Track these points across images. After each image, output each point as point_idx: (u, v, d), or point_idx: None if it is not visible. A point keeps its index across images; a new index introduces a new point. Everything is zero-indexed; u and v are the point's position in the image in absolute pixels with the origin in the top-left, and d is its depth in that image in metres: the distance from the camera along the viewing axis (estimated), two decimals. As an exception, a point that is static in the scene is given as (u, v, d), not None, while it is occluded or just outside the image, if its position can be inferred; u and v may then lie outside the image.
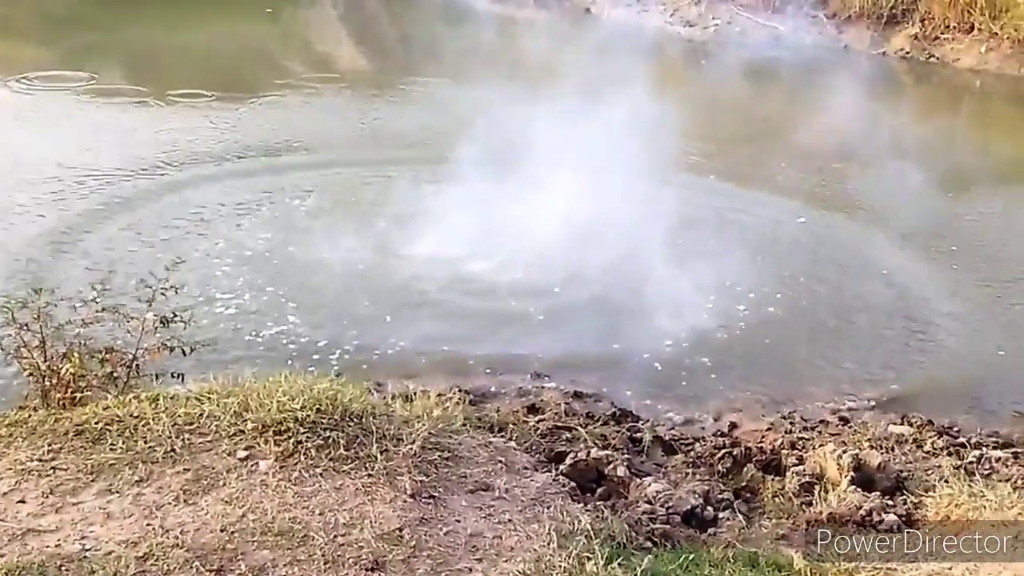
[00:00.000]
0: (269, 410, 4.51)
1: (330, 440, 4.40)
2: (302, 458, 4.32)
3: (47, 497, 4.10)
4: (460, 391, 6.24)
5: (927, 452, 5.73)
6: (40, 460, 4.30)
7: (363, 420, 4.55)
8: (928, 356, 7.52)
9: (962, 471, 5.24)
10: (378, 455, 4.38)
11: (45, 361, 5.07)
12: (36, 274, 7.74)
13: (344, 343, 7.25)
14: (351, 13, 20.14)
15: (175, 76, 14.45)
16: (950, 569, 4.17)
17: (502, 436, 5.29)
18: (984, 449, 5.77)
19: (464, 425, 5.08)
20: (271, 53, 16.52)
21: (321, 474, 4.26)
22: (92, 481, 4.19)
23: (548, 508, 4.39)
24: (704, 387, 7.03)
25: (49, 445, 4.39)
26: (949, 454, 5.69)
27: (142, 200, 9.61)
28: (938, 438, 5.95)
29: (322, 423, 4.47)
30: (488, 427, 5.40)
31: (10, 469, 4.25)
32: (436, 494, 4.31)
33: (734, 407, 6.74)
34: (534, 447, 5.37)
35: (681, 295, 7.84)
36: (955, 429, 6.26)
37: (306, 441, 4.38)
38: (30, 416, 4.64)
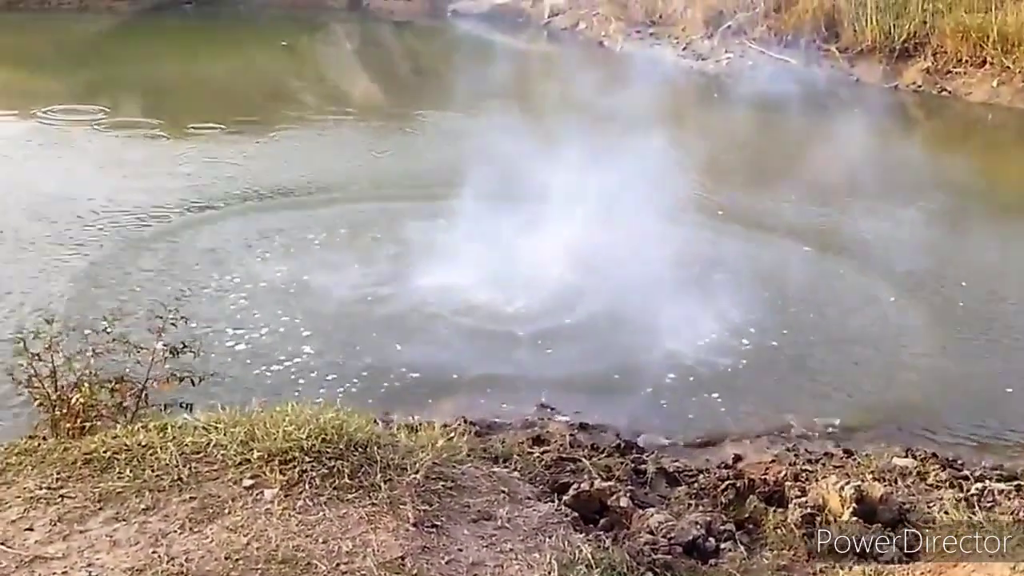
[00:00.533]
0: (275, 439, 4.56)
1: (334, 469, 4.45)
2: (306, 487, 4.36)
3: (55, 525, 4.15)
4: (466, 422, 6.31)
5: (930, 485, 5.74)
6: (49, 488, 4.36)
7: (367, 450, 4.61)
8: (934, 391, 7.52)
9: (964, 503, 5.25)
10: (382, 484, 4.43)
11: (56, 391, 5.15)
12: (50, 305, 7.84)
13: (355, 372, 7.35)
14: (366, 47, 20.40)
15: (192, 109, 14.68)
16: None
17: (506, 467, 5.33)
18: (987, 482, 5.78)
19: (468, 456, 5.12)
20: (287, 87, 16.70)
21: (325, 503, 4.31)
22: (99, 509, 4.24)
23: (550, 537, 4.42)
24: (710, 419, 7.06)
25: (58, 474, 4.45)
26: (952, 487, 5.70)
27: (157, 232, 9.73)
28: (942, 471, 5.97)
29: (327, 452, 4.52)
30: (492, 458, 5.44)
31: (19, 497, 4.31)
32: (439, 523, 4.35)
33: (739, 439, 6.76)
34: (538, 478, 5.41)
35: (687, 327, 7.90)
36: (959, 462, 6.28)
37: (311, 470, 4.43)
38: (39, 445, 4.71)
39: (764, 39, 18.82)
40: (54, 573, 3.89)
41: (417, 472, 4.56)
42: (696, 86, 18.37)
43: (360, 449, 4.60)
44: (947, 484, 5.78)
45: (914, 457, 6.32)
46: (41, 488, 4.36)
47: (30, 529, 4.12)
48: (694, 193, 10.80)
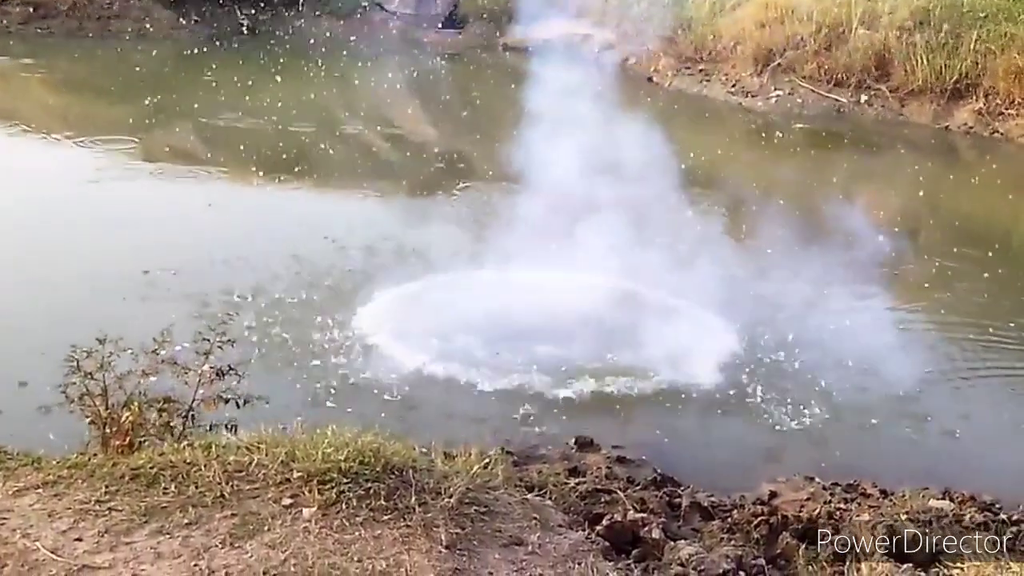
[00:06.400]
0: (315, 460, 4.70)
1: (371, 491, 4.57)
2: (343, 507, 4.48)
3: (102, 536, 4.30)
4: (503, 451, 6.40)
5: (964, 527, 5.73)
6: (97, 501, 4.52)
7: (403, 473, 4.72)
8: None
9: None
10: (416, 507, 4.53)
11: (107, 409, 5.31)
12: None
13: (413, 404, 7.55)
14: (419, 79, 20.70)
15: (249, 147, 14.87)
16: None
17: (540, 495, 5.41)
18: (1022, 526, 5.77)
19: (503, 483, 5.21)
20: (342, 121, 16.95)
21: (361, 523, 4.42)
22: (145, 522, 4.39)
23: (579, 564, 4.49)
24: (751, 457, 7.11)
25: (106, 487, 4.61)
26: (987, 529, 5.69)
27: (213, 275, 9.80)
28: (978, 513, 5.95)
29: (364, 474, 4.64)
30: (527, 486, 5.53)
31: (69, 508, 4.48)
32: (470, 546, 4.44)
33: (777, 478, 6.77)
34: (572, 507, 5.49)
35: (736, 366, 8.09)
36: (997, 506, 6.24)
37: (348, 491, 4.55)
38: (89, 460, 4.88)
39: (813, 77, 18.85)
40: (100, 582, 4.04)
41: (451, 496, 4.66)
42: (743, 123, 18.44)
43: (396, 472, 4.72)
44: (982, 527, 5.76)
45: (951, 499, 6.30)
46: (90, 501, 4.52)
47: (79, 539, 4.27)
48: (741, 230, 10.73)
